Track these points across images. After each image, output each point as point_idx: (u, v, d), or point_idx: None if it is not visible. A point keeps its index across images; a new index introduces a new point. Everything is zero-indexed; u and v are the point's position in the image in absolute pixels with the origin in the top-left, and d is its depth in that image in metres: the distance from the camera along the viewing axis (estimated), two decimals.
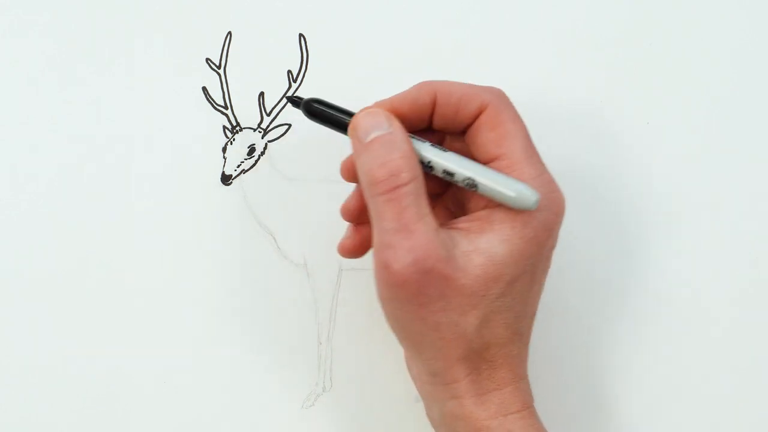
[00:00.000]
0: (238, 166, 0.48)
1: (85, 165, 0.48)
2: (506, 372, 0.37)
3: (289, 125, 0.48)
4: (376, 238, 0.36)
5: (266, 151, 0.48)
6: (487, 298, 0.36)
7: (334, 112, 0.39)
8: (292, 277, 0.47)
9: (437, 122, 0.39)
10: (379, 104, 0.38)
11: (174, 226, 0.48)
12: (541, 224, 0.36)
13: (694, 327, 0.46)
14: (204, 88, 0.48)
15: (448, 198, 0.42)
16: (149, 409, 0.47)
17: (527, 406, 0.38)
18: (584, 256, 0.47)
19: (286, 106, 0.48)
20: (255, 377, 0.47)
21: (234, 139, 0.48)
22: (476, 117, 0.38)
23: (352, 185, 0.41)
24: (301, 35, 0.48)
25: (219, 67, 0.48)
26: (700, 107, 0.47)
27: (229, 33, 0.48)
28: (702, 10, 0.48)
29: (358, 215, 0.40)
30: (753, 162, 0.47)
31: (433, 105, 0.38)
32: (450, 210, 0.42)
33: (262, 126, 0.48)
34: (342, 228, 0.47)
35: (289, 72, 0.48)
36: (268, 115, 0.48)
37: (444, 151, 0.37)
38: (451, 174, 0.37)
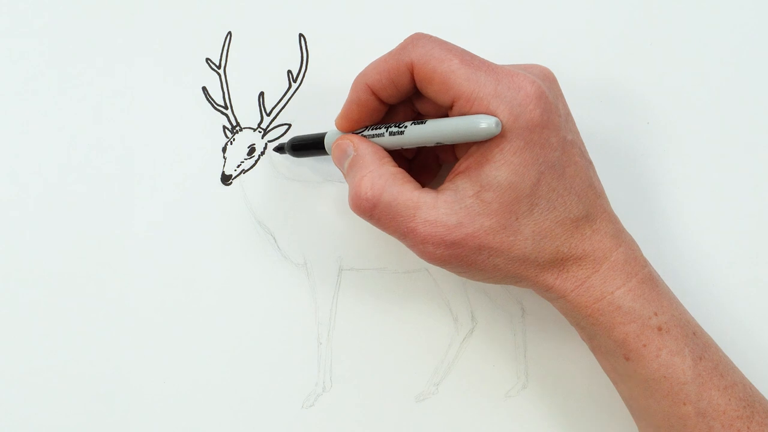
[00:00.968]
0: (238, 166, 0.48)
1: (85, 165, 0.48)
2: (592, 256, 0.38)
3: (289, 125, 0.48)
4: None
5: (266, 151, 0.48)
6: (520, 219, 0.37)
7: (311, 141, 0.44)
8: (292, 277, 0.47)
9: (392, 102, 0.41)
10: (339, 119, 0.42)
11: (174, 226, 0.48)
12: (524, 127, 0.36)
13: None
14: (204, 88, 0.48)
15: (448, 151, 0.44)
16: (149, 409, 0.47)
17: (632, 276, 0.38)
18: None
19: (287, 106, 0.48)
20: (255, 377, 0.47)
21: (234, 139, 0.48)
22: (413, 80, 0.39)
23: None
24: (301, 35, 0.48)
25: (219, 67, 0.48)
26: (700, 107, 0.47)
27: (229, 33, 0.48)
28: (702, 10, 0.48)
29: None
30: (753, 162, 0.47)
31: (378, 96, 0.40)
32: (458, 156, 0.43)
33: (262, 126, 0.48)
34: (342, 228, 0.47)
35: (289, 72, 0.48)
36: (268, 115, 0.48)
37: (402, 132, 0.39)
38: (420, 144, 0.39)
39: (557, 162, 0.37)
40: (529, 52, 0.48)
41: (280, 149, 0.47)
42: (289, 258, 0.48)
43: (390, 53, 0.39)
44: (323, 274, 0.47)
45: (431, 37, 0.38)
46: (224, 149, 0.48)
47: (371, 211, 0.39)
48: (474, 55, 0.38)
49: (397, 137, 0.40)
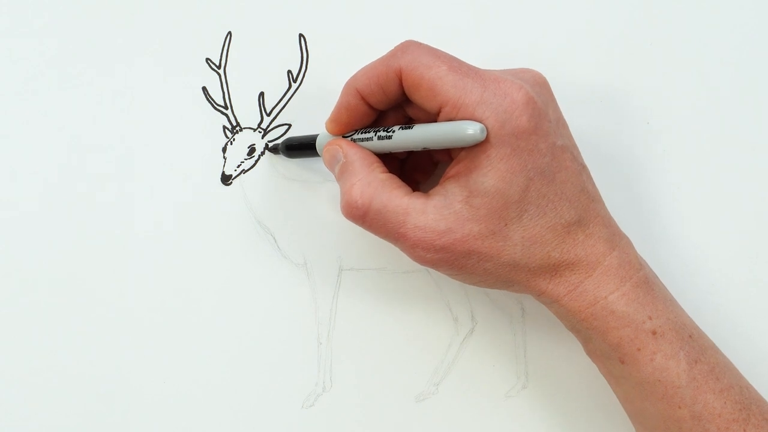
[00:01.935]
0: (238, 166, 0.48)
1: (85, 165, 0.48)
2: (585, 261, 0.38)
3: (289, 125, 0.48)
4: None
5: (266, 151, 0.48)
6: (509, 225, 0.37)
7: (303, 142, 0.45)
8: (292, 277, 0.47)
9: (381, 107, 0.41)
10: (329, 122, 0.42)
11: (174, 226, 0.48)
12: (511, 134, 0.36)
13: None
14: (204, 88, 0.48)
15: (442, 150, 0.44)
16: (149, 409, 0.47)
17: (626, 280, 0.38)
18: None
19: (287, 106, 0.48)
20: (255, 377, 0.47)
21: (234, 139, 0.48)
22: (401, 87, 0.39)
23: None
24: (301, 35, 0.48)
25: (219, 67, 0.48)
26: (701, 107, 0.47)
27: (229, 33, 0.48)
28: (702, 10, 0.48)
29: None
30: (753, 162, 0.47)
31: (367, 101, 0.40)
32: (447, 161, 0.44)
33: (262, 126, 0.48)
34: (342, 228, 0.47)
35: (289, 72, 0.48)
36: (268, 115, 0.48)
37: (390, 136, 0.40)
38: (407, 149, 0.40)
39: (547, 168, 0.37)
40: (528, 52, 0.47)
41: (274, 150, 0.47)
42: (289, 258, 0.48)
43: (380, 59, 0.39)
44: (323, 274, 0.47)
45: (421, 44, 0.39)
46: (224, 149, 0.48)
47: (363, 218, 0.39)
48: (463, 62, 0.38)
49: (386, 142, 0.40)
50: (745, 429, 0.37)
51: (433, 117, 0.39)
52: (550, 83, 0.40)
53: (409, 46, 0.38)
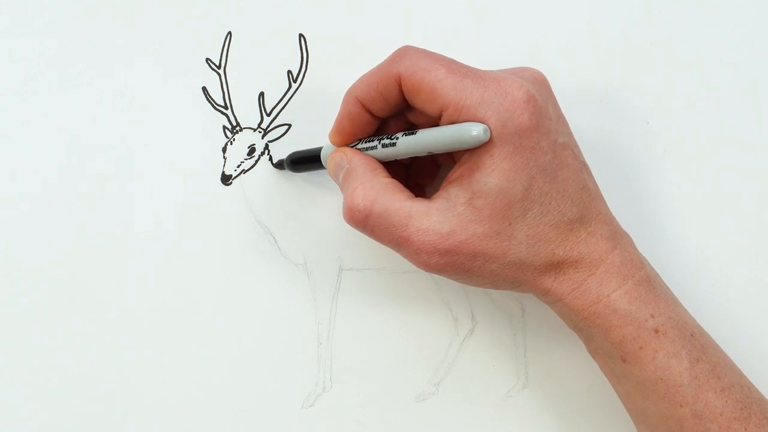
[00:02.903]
0: (238, 166, 0.48)
1: (85, 165, 0.48)
2: (588, 259, 0.38)
3: (289, 125, 0.48)
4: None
5: (266, 151, 0.48)
6: (513, 224, 0.37)
7: (308, 156, 0.45)
8: (292, 277, 0.47)
9: (382, 115, 0.41)
10: (332, 134, 0.42)
11: (174, 226, 0.48)
12: (513, 132, 0.36)
13: None
14: (204, 88, 0.48)
15: (446, 156, 0.44)
16: (149, 409, 0.47)
17: (628, 278, 0.38)
18: None
19: (287, 106, 0.48)
20: (255, 377, 0.47)
21: (234, 139, 0.48)
22: (401, 92, 0.39)
23: None
24: (301, 35, 0.48)
25: (219, 67, 0.48)
26: (700, 107, 0.47)
27: (229, 33, 0.48)
28: (702, 10, 0.48)
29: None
30: (753, 162, 0.47)
31: (368, 109, 0.40)
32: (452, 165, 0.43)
33: (262, 126, 0.48)
34: (342, 228, 0.47)
35: (289, 72, 0.48)
36: (268, 115, 0.48)
37: (394, 143, 0.39)
38: (412, 155, 0.40)
39: (549, 165, 0.37)
40: (529, 52, 0.48)
41: (279, 165, 0.47)
42: (289, 258, 0.48)
43: (378, 66, 0.39)
44: (323, 274, 0.47)
45: (418, 48, 0.39)
46: (224, 149, 0.48)
47: (364, 221, 0.39)
48: (461, 63, 0.38)
49: (390, 149, 0.40)
50: (746, 428, 0.37)
51: (435, 121, 0.39)
52: (549, 82, 0.40)
53: (406, 51, 0.38)
